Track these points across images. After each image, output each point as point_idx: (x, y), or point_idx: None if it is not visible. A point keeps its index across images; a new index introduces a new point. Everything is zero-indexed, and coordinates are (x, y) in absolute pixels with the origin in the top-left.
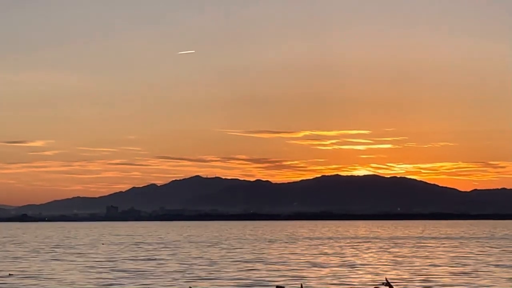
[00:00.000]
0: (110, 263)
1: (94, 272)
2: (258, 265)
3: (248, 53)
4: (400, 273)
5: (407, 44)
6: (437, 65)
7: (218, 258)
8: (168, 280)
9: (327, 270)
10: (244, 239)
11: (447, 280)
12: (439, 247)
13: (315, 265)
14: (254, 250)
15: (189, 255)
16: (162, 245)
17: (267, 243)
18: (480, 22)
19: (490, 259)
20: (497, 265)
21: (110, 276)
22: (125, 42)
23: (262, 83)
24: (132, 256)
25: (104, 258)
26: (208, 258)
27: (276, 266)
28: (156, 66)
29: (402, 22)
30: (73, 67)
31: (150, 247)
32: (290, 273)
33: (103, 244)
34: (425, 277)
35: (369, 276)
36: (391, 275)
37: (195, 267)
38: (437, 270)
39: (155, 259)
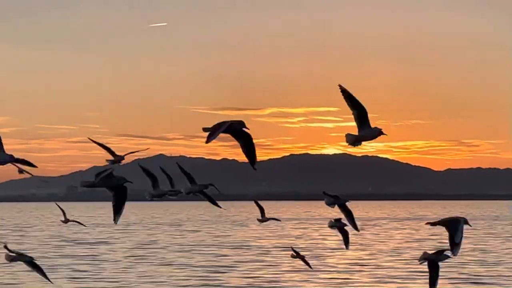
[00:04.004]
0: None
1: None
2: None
3: (214, 28)
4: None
5: (375, 19)
6: (407, 41)
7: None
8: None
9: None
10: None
11: None
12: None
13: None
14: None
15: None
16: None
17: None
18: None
19: None
20: None
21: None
22: (86, 12)
23: (227, 59)
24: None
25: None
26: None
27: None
28: (119, 39)
29: None
30: (30, 40)
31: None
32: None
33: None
34: None
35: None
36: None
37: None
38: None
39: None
